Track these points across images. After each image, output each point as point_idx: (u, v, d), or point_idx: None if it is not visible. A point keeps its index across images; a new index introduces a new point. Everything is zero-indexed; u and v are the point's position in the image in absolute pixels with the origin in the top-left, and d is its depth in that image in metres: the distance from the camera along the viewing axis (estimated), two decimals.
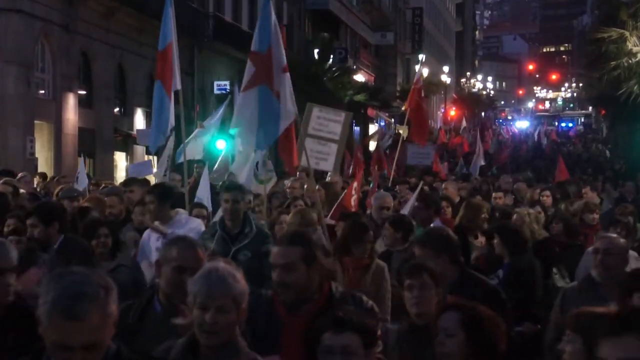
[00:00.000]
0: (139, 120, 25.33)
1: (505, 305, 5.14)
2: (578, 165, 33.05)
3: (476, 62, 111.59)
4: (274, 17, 8.60)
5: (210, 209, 9.33)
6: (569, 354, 3.62)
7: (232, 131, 8.93)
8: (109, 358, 2.72)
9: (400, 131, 16.00)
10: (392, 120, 54.68)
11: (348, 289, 4.55)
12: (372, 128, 50.15)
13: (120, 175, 24.13)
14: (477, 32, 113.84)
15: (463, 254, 6.48)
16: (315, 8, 40.38)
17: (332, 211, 9.41)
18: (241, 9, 33.71)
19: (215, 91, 29.16)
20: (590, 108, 78.39)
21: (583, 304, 4.12)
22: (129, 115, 25.53)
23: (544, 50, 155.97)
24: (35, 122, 20.65)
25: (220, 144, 14.70)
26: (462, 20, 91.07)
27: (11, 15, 19.66)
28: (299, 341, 3.69)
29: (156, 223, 7.37)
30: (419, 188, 9.34)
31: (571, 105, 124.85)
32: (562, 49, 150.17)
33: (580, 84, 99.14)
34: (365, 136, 45.68)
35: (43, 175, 16.57)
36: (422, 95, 16.09)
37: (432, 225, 7.81)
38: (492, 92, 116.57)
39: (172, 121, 9.13)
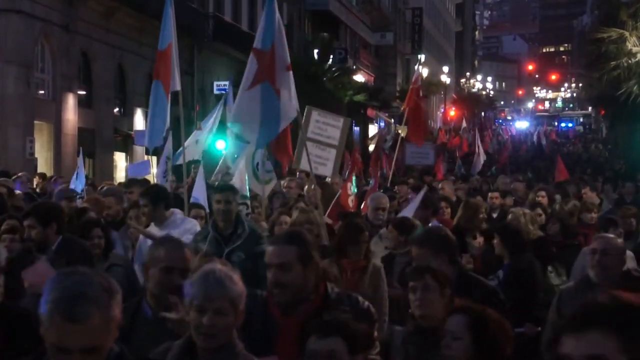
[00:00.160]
0: (139, 121, 25.33)
1: (504, 306, 5.11)
2: (578, 165, 33.06)
3: (476, 63, 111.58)
4: (277, 14, 8.59)
5: (208, 209, 9.31)
6: None
7: (233, 127, 8.89)
8: None
9: (400, 131, 15.99)
10: (392, 120, 54.67)
11: (344, 290, 4.48)
12: (372, 128, 50.15)
13: (120, 175, 24.13)
14: (476, 33, 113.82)
15: (461, 254, 6.48)
16: (315, 8, 40.38)
17: (328, 210, 9.40)
18: (241, 9, 33.72)
19: (215, 91, 29.15)
20: (590, 108, 78.36)
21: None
22: (128, 116, 25.54)
23: (544, 50, 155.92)
24: (35, 122, 20.65)
25: (220, 144, 14.70)
26: (461, 20, 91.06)
27: (11, 16, 19.66)
28: (294, 342, 3.65)
29: (150, 227, 7.38)
30: (422, 191, 9.25)
31: (571, 105, 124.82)
32: (561, 49, 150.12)
33: (580, 84, 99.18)
34: (365, 136, 45.70)
35: (43, 176, 16.58)
36: (421, 94, 16.08)
37: (430, 225, 7.80)
38: (491, 92, 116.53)
39: (167, 122, 9.15)
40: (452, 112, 76.03)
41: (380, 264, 6.20)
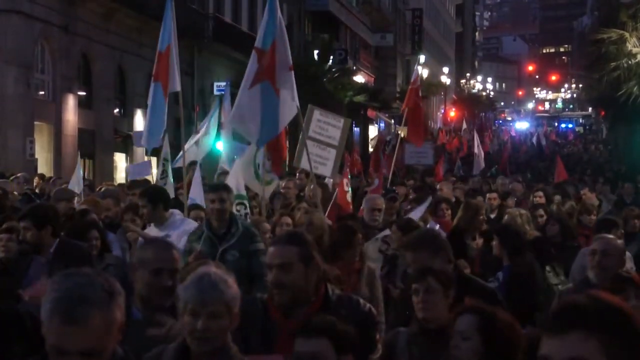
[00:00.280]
0: (139, 122, 25.31)
1: (502, 308, 5.10)
2: (579, 166, 33.05)
3: (476, 63, 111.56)
4: (279, 14, 8.59)
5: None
6: None
7: (232, 123, 8.87)
8: None
9: (400, 132, 16.00)
10: (392, 121, 54.67)
11: (345, 293, 4.44)
12: (372, 129, 50.16)
13: (120, 176, 24.12)
14: (476, 33, 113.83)
15: (460, 255, 6.45)
16: (315, 9, 40.37)
17: (327, 211, 9.40)
18: (241, 10, 33.71)
19: (215, 92, 29.11)
20: (590, 109, 78.35)
21: None
22: (128, 117, 25.53)
23: (544, 51, 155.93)
24: (35, 123, 20.64)
25: (220, 145, 14.69)
26: (461, 21, 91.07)
27: (11, 16, 19.66)
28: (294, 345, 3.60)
29: (150, 227, 7.37)
30: (428, 201, 9.18)
31: (571, 106, 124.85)
32: (562, 50, 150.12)
33: (580, 85, 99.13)
34: (365, 137, 45.71)
35: (42, 177, 16.58)
36: (420, 95, 16.07)
37: (428, 226, 7.77)
38: (491, 93, 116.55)
39: (165, 123, 9.17)
40: (452, 113, 76.05)
41: (374, 265, 6.18)
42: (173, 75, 8.95)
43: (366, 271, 5.87)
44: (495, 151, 41.84)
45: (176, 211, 7.79)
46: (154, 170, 13.67)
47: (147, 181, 12.55)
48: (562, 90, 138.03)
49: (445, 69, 71.43)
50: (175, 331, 3.60)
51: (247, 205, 8.86)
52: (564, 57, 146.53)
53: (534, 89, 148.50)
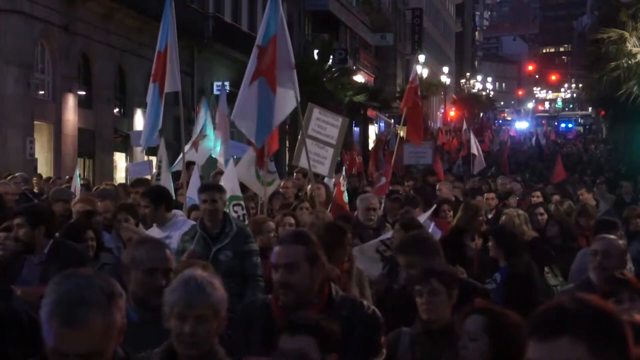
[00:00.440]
0: (139, 121, 25.30)
1: None
2: (579, 165, 33.04)
3: (476, 63, 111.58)
4: (281, 13, 8.59)
5: None
6: None
7: (234, 118, 8.86)
8: None
9: (400, 132, 15.98)
10: (392, 121, 54.66)
11: (349, 294, 4.41)
12: (372, 129, 50.16)
13: (120, 176, 24.12)
14: (476, 33, 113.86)
15: (458, 257, 6.43)
16: (315, 9, 40.35)
17: (329, 210, 9.38)
18: (241, 10, 33.69)
19: (215, 92, 29.12)
20: (590, 109, 78.34)
21: None
22: (128, 116, 25.53)
23: (544, 51, 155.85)
24: (35, 123, 20.64)
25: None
26: (461, 21, 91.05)
27: (11, 16, 19.65)
28: None
29: (152, 228, 7.36)
30: (433, 208, 9.12)
31: (571, 105, 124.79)
32: (561, 49, 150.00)
33: (580, 85, 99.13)
34: (365, 137, 45.70)
35: (40, 177, 16.59)
36: (419, 94, 16.03)
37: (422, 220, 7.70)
38: (491, 92, 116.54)
39: (160, 123, 9.19)
40: (452, 113, 76.03)
41: (362, 267, 6.15)
42: (171, 75, 8.94)
43: (355, 271, 5.82)
44: (495, 151, 41.86)
45: (179, 212, 7.78)
46: (154, 170, 13.66)
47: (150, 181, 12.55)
48: (562, 90, 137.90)
49: (445, 69, 71.43)
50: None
51: (244, 206, 8.84)
52: (564, 57, 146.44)
53: (534, 88, 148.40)
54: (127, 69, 25.13)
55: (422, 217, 8.27)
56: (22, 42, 19.83)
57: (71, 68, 22.08)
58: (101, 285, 2.53)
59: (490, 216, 10.93)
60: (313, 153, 9.35)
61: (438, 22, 77.62)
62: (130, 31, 24.39)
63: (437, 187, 13.08)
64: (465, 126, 43.94)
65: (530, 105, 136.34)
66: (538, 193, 12.68)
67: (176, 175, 11.90)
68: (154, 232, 7.26)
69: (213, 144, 13.35)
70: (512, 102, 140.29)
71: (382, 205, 9.86)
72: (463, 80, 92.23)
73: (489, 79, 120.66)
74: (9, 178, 12.70)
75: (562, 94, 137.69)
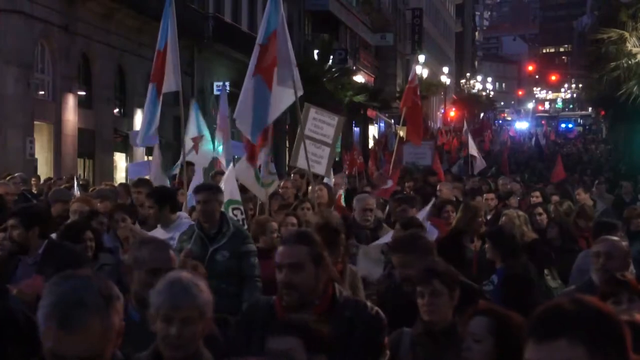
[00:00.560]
0: (139, 121, 25.26)
1: None
2: (579, 165, 33.03)
3: (476, 63, 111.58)
4: (281, 11, 8.59)
5: None
6: None
7: (237, 122, 8.86)
8: None
9: (400, 132, 15.99)
10: (392, 121, 54.65)
11: (352, 296, 4.38)
12: (372, 129, 50.15)
13: (120, 176, 24.12)
14: (476, 33, 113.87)
15: (457, 258, 6.38)
16: (315, 9, 40.35)
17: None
18: (241, 10, 33.69)
19: (215, 92, 29.12)
20: (590, 109, 78.36)
21: None
22: (128, 116, 25.52)
23: (544, 51, 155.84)
24: (35, 123, 20.64)
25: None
26: (461, 21, 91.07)
27: (11, 16, 19.65)
28: None
29: (157, 229, 7.35)
30: (431, 203, 9.13)
31: (571, 106, 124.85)
32: (561, 50, 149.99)
33: (580, 85, 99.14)
34: (365, 137, 45.69)
35: (39, 177, 16.58)
36: (418, 94, 16.03)
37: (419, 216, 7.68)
38: (491, 93, 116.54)
39: (157, 122, 9.20)
40: (452, 113, 76.03)
41: (355, 267, 6.12)
42: (170, 75, 8.93)
43: (348, 272, 5.79)
44: (495, 151, 41.84)
45: (183, 214, 7.80)
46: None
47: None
48: (562, 90, 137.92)
49: (445, 69, 71.44)
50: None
51: (243, 210, 8.82)
52: (564, 57, 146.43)
53: (534, 88, 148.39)
54: (127, 69, 25.12)
55: (421, 215, 8.26)
56: (22, 42, 19.82)
57: (71, 68, 22.08)
58: (99, 287, 2.51)
59: (489, 217, 10.91)
60: (311, 153, 9.33)
61: (438, 22, 77.62)
62: (130, 31, 24.39)
63: (438, 187, 13.06)
64: (465, 126, 44.00)
65: (530, 105, 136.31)
66: (537, 193, 12.65)
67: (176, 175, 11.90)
68: (158, 232, 7.26)
69: (212, 146, 13.34)
70: (512, 102, 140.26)
71: (387, 207, 9.83)
72: (463, 81, 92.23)
73: (489, 79, 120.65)
74: (7, 178, 12.67)
75: (562, 94, 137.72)
